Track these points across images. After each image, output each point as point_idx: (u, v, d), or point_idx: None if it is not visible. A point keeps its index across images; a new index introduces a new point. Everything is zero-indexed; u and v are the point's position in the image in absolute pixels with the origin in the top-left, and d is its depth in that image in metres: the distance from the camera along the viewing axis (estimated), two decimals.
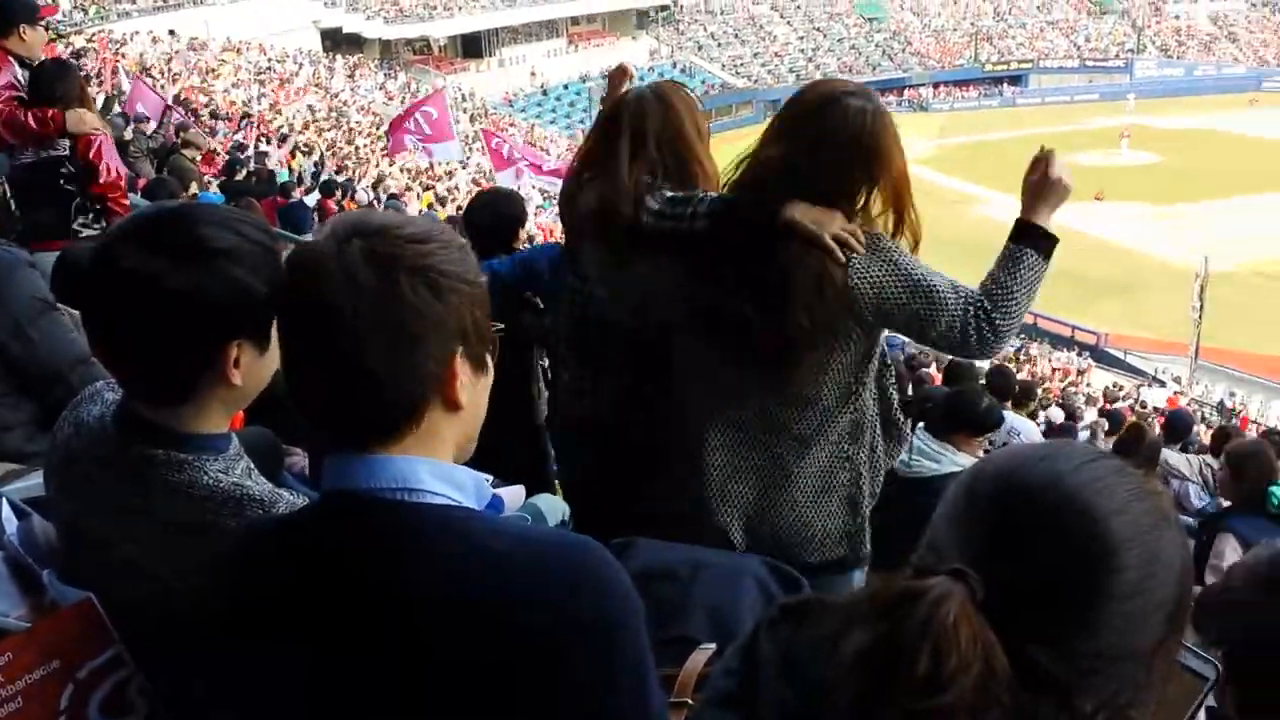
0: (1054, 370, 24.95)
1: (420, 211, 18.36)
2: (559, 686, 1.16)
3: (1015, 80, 63.40)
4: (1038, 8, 68.13)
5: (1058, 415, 13.96)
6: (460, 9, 52.41)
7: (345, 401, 1.25)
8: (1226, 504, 5.25)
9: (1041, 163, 2.41)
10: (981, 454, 4.52)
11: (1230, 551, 4.51)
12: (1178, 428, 8.56)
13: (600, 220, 2.78)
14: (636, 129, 2.79)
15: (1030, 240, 2.37)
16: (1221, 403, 23.14)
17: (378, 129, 31.78)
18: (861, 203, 2.38)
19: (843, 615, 1.02)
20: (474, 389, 1.32)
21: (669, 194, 2.57)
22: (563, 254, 3.32)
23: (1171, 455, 7.23)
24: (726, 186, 2.53)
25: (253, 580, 1.30)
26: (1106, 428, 12.37)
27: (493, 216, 4.23)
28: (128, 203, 5.28)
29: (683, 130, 2.81)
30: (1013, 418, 6.93)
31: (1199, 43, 65.56)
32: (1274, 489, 4.57)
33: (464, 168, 31.19)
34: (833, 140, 2.31)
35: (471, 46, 53.74)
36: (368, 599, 1.21)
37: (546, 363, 3.97)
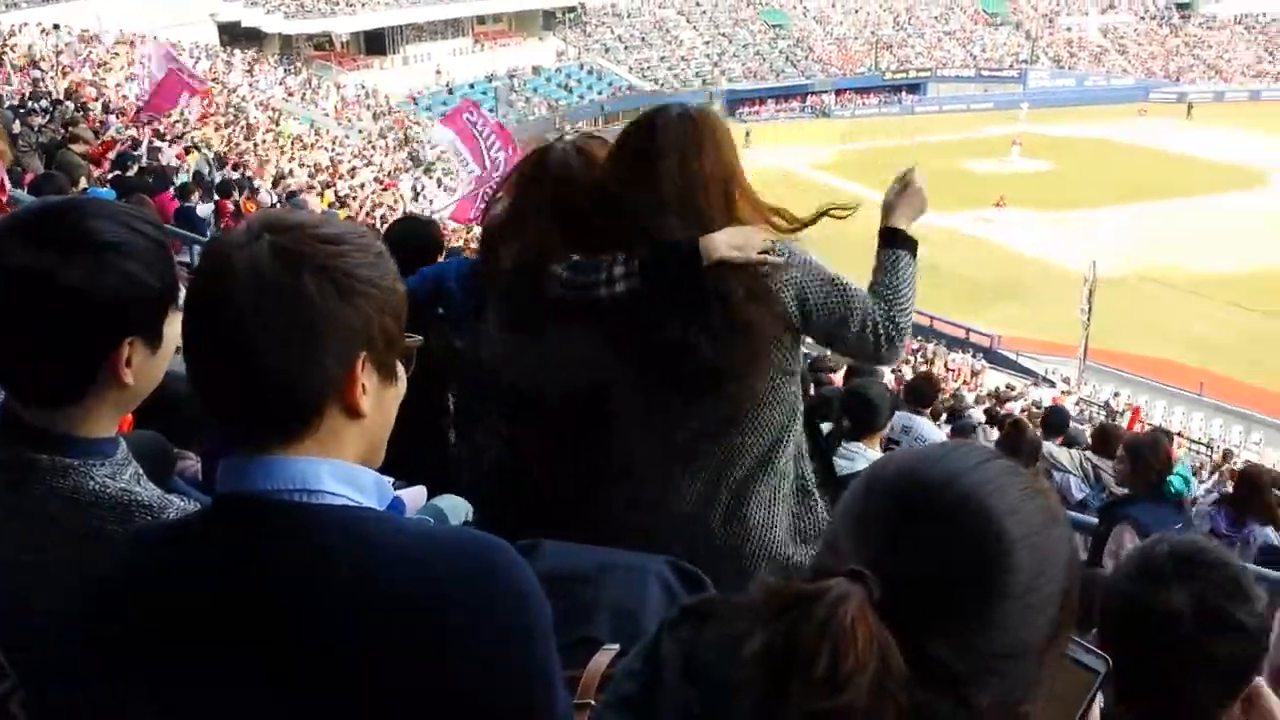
0: (949, 371, 25.61)
1: (320, 211, 18.04)
2: (467, 686, 1.15)
3: (914, 89, 64.92)
4: (935, 18, 69.86)
5: (973, 416, 14.36)
6: (363, 5, 51.64)
7: (244, 399, 1.22)
8: (1124, 492, 5.44)
9: (907, 177, 2.52)
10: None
11: (1129, 539, 4.70)
12: (1055, 422, 8.94)
13: (512, 284, 2.72)
14: (558, 191, 2.66)
15: (899, 245, 2.47)
16: (1107, 403, 23.99)
17: (276, 125, 31.14)
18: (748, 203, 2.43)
19: (743, 615, 1.02)
20: (380, 398, 1.29)
21: (575, 260, 2.50)
22: (471, 277, 3.25)
23: (1054, 449, 7.50)
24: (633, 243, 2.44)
25: (141, 589, 1.26)
26: (984, 421, 12.77)
27: (411, 240, 4.15)
28: (5, 198, 5.08)
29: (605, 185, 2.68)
30: (917, 420, 7.10)
31: (1090, 54, 67.98)
32: (1171, 479, 4.75)
33: (367, 165, 30.75)
34: (699, 166, 2.35)
35: (375, 43, 52.97)
36: (264, 604, 1.18)
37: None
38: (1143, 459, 5.00)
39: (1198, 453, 20.85)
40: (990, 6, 70.81)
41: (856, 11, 69.85)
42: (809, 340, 2.56)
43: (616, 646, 1.60)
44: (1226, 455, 19.12)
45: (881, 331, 2.37)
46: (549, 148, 2.77)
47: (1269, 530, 6.32)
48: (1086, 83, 64.40)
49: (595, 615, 1.68)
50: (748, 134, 52.46)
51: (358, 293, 1.23)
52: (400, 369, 1.33)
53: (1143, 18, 71.16)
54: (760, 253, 2.31)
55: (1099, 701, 1.63)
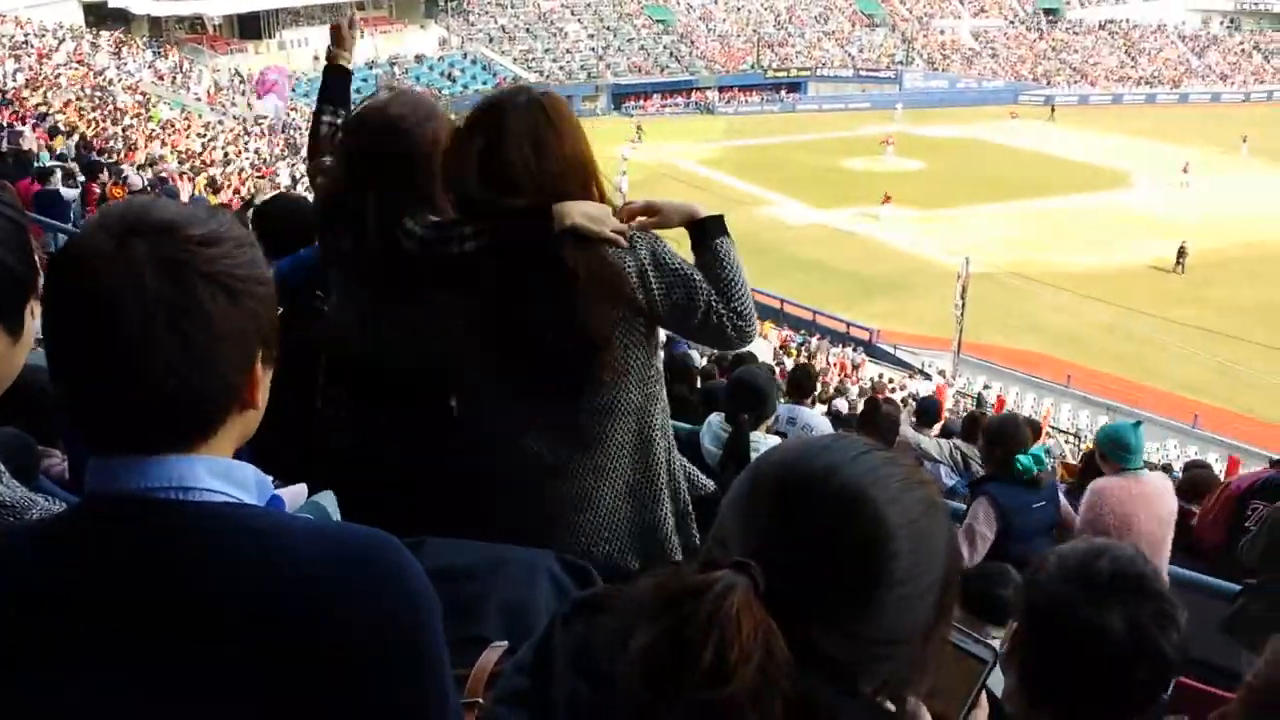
0: (831, 364, 26.19)
1: (193, 197, 17.46)
2: (360, 684, 1.12)
3: (795, 87, 66.14)
4: (815, 18, 71.25)
5: (843, 407, 14.66)
6: None
7: (134, 411, 1.16)
8: (984, 473, 5.66)
9: (647, 212, 2.43)
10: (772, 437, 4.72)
11: (982, 512, 4.92)
12: (927, 411, 9.23)
13: (353, 256, 2.67)
14: (391, 154, 2.62)
15: (709, 234, 2.44)
16: (980, 395, 24.81)
17: (145, 110, 30.05)
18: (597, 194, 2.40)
19: (632, 607, 1.03)
20: (266, 384, 1.26)
21: (433, 219, 2.48)
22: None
23: (923, 440, 7.73)
24: (476, 205, 2.41)
25: (5, 593, 1.19)
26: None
27: (287, 224, 4.04)
28: None
29: (434, 152, 2.61)
30: (801, 410, 7.21)
31: (962, 57, 70.20)
32: (1020, 457, 4.95)
33: (242, 153, 29.88)
34: (553, 147, 2.33)
35: (249, 27, 51.48)
36: (141, 607, 1.12)
37: None
38: (996, 440, 5.21)
39: (1066, 443, 21.73)
40: (867, 8, 72.53)
41: (739, 10, 70.75)
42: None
43: (505, 643, 1.58)
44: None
45: (727, 322, 2.38)
46: (379, 111, 2.69)
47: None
48: (959, 85, 66.55)
49: (483, 612, 1.66)
50: (639, 129, 52.72)
51: (246, 293, 1.18)
52: (275, 353, 1.30)
53: (1012, 22, 73.80)
54: (615, 230, 2.31)
55: (1001, 686, 1.68)
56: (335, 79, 3.42)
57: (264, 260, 1.25)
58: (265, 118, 21.60)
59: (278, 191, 16.50)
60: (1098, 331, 29.22)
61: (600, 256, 2.30)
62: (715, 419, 4.78)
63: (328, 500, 2.45)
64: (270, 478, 1.34)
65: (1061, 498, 5.27)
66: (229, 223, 1.25)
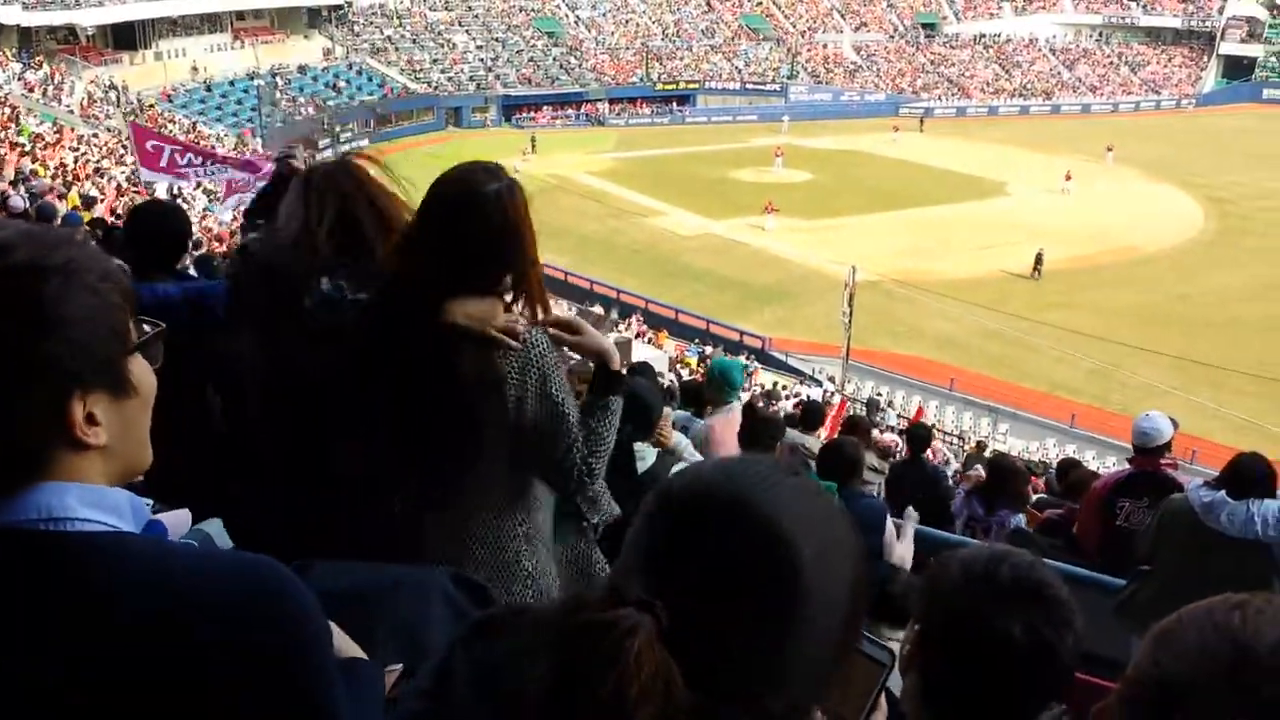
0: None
1: (66, 215, 16.78)
2: (243, 712, 1.10)
3: (684, 100, 66.75)
4: (702, 31, 72.06)
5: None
6: None
7: None
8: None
9: (570, 328, 2.46)
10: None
11: None
12: (812, 415, 9.46)
13: (268, 290, 2.64)
14: (321, 201, 2.62)
15: (612, 387, 2.46)
16: (870, 399, 25.35)
17: (15, 123, 28.85)
18: (511, 288, 2.41)
19: (534, 633, 1.01)
20: (119, 415, 1.21)
21: (323, 291, 2.48)
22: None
23: (809, 440, 7.90)
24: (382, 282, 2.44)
25: None
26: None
27: (157, 232, 3.88)
28: None
29: (370, 204, 2.65)
30: (696, 421, 7.27)
31: (845, 70, 71.77)
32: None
33: (118, 165, 28.87)
34: (474, 235, 2.33)
35: (124, 37, 49.75)
36: (16, 640, 1.09)
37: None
38: (833, 455, 5.34)
39: (952, 444, 22.34)
40: (752, 22, 73.69)
41: (627, 22, 71.15)
42: None
43: (399, 666, 1.55)
44: (980, 446, 20.51)
45: (579, 471, 2.39)
46: (332, 171, 2.70)
47: (1019, 516, 6.87)
48: (842, 97, 68.00)
49: (375, 635, 1.62)
50: (533, 140, 52.56)
51: (51, 333, 1.14)
52: (141, 372, 1.25)
53: (892, 36, 75.78)
54: (500, 330, 2.30)
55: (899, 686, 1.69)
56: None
57: (104, 281, 1.20)
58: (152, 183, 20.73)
59: (150, 199, 15.97)
60: (977, 336, 30.15)
61: (485, 362, 2.31)
62: None
63: (214, 528, 2.37)
64: (150, 502, 1.29)
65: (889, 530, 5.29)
66: (56, 242, 1.19)
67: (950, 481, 9.61)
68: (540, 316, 2.44)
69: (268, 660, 1.12)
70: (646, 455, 4.49)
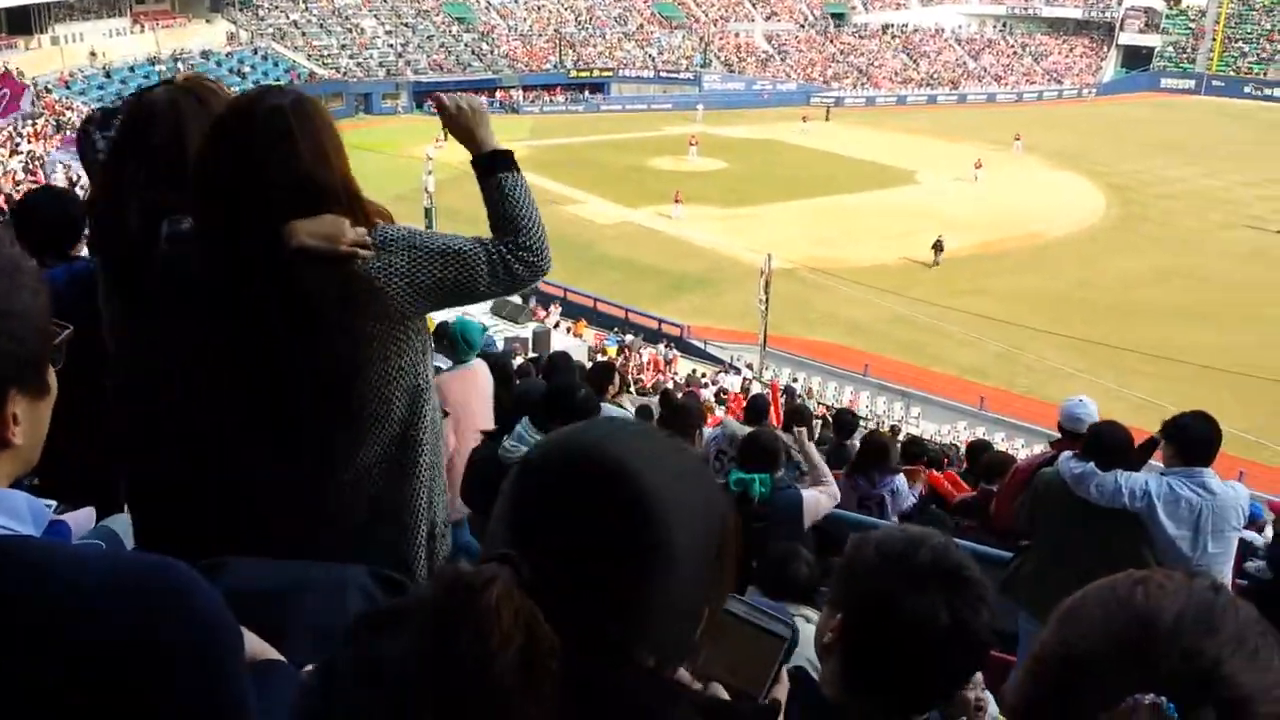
0: (647, 362, 26.52)
1: None
2: (147, 717, 1.07)
3: (598, 88, 66.64)
4: (615, 18, 71.97)
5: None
6: None
7: None
8: None
9: (443, 109, 2.41)
10: None
11: None
12: (756, 410, 9.52)
13: (103, 255, 2.50)
14: (145, 142, 2.47)
15: (497, 167, 2.39)
16: (789, 386, 25.63)
17: None
18: (341, 199, 2.24)
19: (410, 612, 1.04)
20: (33, 414, 1.19)
21: (173, 228, 2.30)
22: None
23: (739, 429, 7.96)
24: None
25: None
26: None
27: (51, 220, 3.73)
28: None
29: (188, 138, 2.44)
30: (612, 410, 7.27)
31: (757, 59, 72.31)
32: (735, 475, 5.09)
33: (14, 154, 27.84)
34: (278, 150, 2.17)
35: (19, 22, 47.98)
36: None
37: None
38: (752, 445, 5.36)
39: (866, 428, 22.68)
40: (664, 10, 73.83)
41: (539, 9, 70.72)
42: None
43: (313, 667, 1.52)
44: (894, 430, 20.87)
45: (515, 264, 2.31)
46: (151, 103, 2.54)
47: (898, 479, 7.05)
48: (755, 86, 68.51)
49: (292, 634, 1.59)
50: (445, 128, 51.82)
51: (8, 325, 1.12)
52: (50, 375, 1.23)
53: (802, 25, 76.59)
54: (352, 243, 2.17)
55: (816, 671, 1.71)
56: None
57: (22, 281, 1.17)
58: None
59: (42, 185, 15.43)
60: (888, 322, 30.66)
61: (346, 279, 2.17)
62: (524, 424, 4.74)
63: (119, 524, 2.31)
64: (53, 502, 1.25)
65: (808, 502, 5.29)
66: None
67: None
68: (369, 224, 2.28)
69: (170, 665, 1.08)
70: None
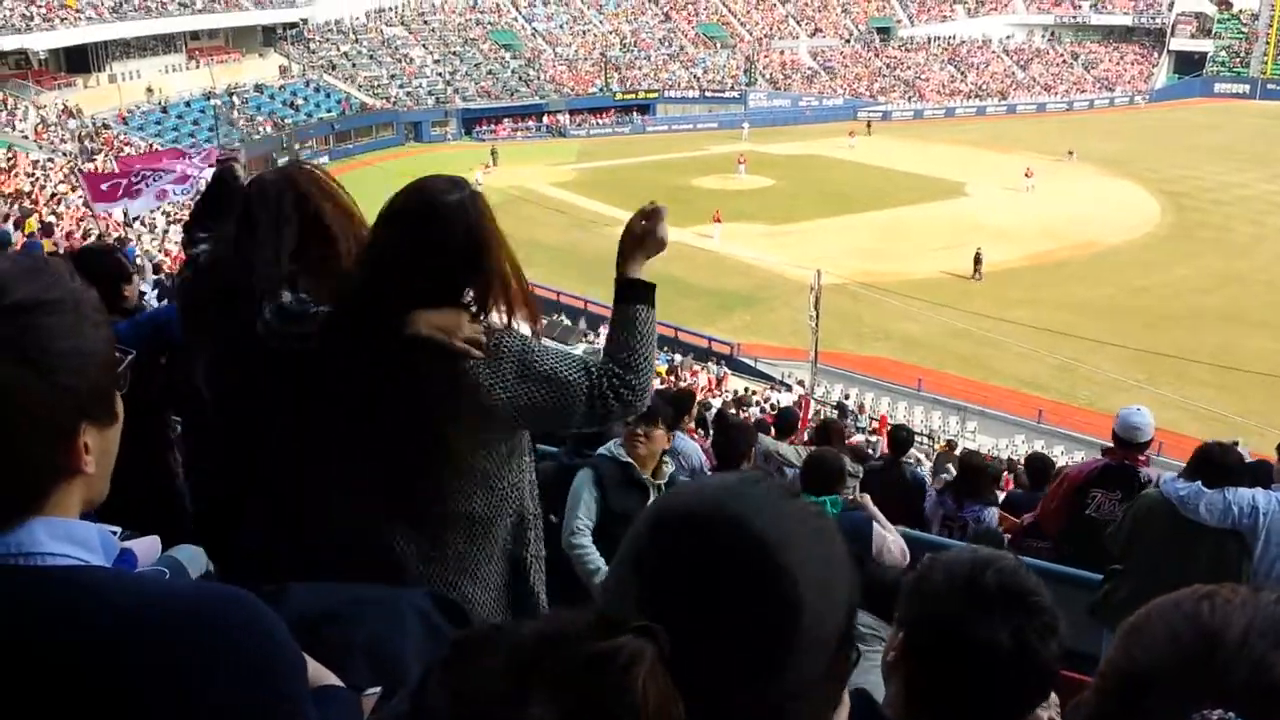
0: (693, 376, 26.49)
1: (22, 241, 16.59)
2: None
3: (644, 109, 66.91)
4: (660, 40, 72.28)
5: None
6: (62, 21, 47.89)
7: None
8: None
9: (653, 216, 2.45)
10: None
11: None
12: (786, 422, 9.46)
13: (217, 307, 2.62)
14: (279, 210, 2.59)
15: (638, 296, 2.43)
16: (840, 403, 25.45)
17: None
18: (474, 298, 2.36)
19: (520, 660, 0.96)
20: (103, 444, 1.21)
21: (283, 304, 2.43)
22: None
23: (783, 447, 7.92)
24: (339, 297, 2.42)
25: None
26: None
27: (94, 279, 3.85)
28: None
29: (320, 214, 2.62)
30: (681, 439, 7.27)
31: (802, 76, 72.22)
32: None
33: (74, 190, 28.54)
34: (438, 245, 2.29)
35: (77, 61, 49.25)
36: None
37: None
38: (818, 467, 5.32)
39: (922, 444, 22.45)
40: (709, 30, 74.00)
41: (584, 33, 71.26)
42: None
43: (378, 690, 1.53)
44: (950, 445, 20.63)
45: (614, 400, 2.34)
46: (275, 183, 2.67)
47: (990, 512, 6.92)
48: (800, 103, 68.38)
49: (351, 658, 1.60)
50: (494, 153, 52.44)
51: (59, 368, 1.13)
52: (118, 404, 1.25)
53: (848, 40, 76.37)
54: (465, 341, 2.26)
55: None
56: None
57: (92, 315, 1.20)
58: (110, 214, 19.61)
59: (84, 246, 15.85)
60: (943, 335, 30.34)
61: (445, 367, 2.26)
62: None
63: (184, 554, 2.34)
64: (119, 529, 1.28)
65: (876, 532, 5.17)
66: (51, 279, 1.18)
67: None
68: (522, 322, 2.40)
69: (235, 695, 1.10)
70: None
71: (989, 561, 1.65)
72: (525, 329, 2.40)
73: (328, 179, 2.70)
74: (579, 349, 26.53)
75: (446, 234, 2.28)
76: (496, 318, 2.36)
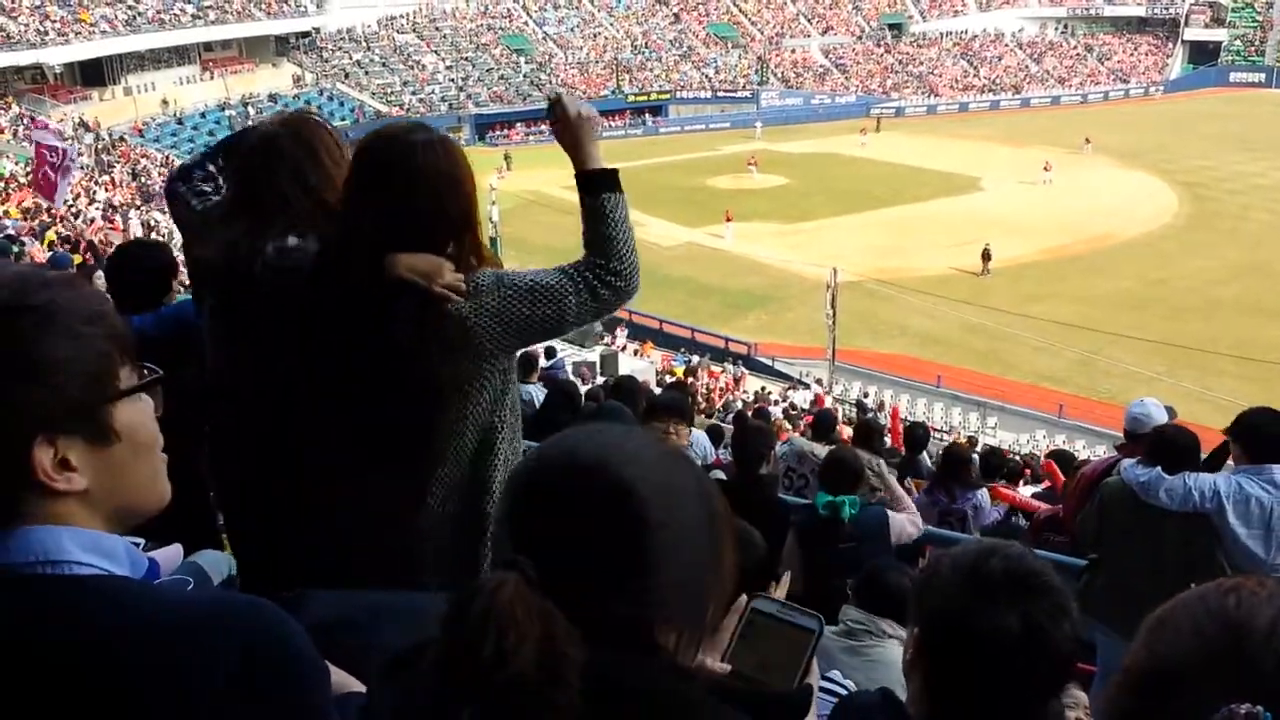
0: (713, 379, 26.48)
1: (52, 256, 16.68)
2: None
3: (656, 110, 66.91)
4: (671, 42, 72.29)
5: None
6: (77, 35, 48.25)
7: None
8: None
9: (558, 108, 2.43)
10: None
11: None
12: (823, 424, 9.35)
13: (216, 274, 2.59)
14: (268, 171, 2.57)
15: (600, 186, 2.42)
16: (859, 400, 25.38)
17: None
18: (451, 245, 2.35)
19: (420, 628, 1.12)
20: (102, 461, 1.20)
21: (284, 244, 2.42)
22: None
23: (817, 448, 7.86)
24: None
25: None
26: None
27: (143, 272, 3.88)
28: None
29: (322, 169, 2.60)
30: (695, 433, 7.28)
31: (814, 74, 72.10)
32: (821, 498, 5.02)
33: (92, 203, 28.76)
34: (411, 188, 2.29)
35: (92, 74, 49.63)
36: (8, 682, 1.08)
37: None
38: (835, 467, 5.31)
39: (941, 439, 22.38)
40: (720, 30, 73.97)
41: (595, 36, 71.35)
42: None
43: None
44: (971, 441, 20.53)
45: (602, 289, 2.34)
46: (268, 133, 2.65)
47: (980, 494, 6.92)
48: (813, 101, 68.27)
49: (372, 663, 1.60)
50: (507, 157, 52.56)
51: (38, 369, 1.13)
52: (135, 416, 1.24)
53: (860, 38, 76.20)
54: (445, 286, 2.26)
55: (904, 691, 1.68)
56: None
57: (82, 325, 1.18)
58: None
59: (133, 239, 15.90)
60: (961, 331, 30.22)
61: (432, 312, 2.27)
62: None
63: (206, 559, 2.35)
64: (141, 540, 1.28)
65: (893, 521, 5.23)
66: (21, 292, 1.17)
67: None
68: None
69: (258, 706, 1.11)
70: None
71: (993, 549, 1.65)
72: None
73: (322, 128, 2.67)
74: (595, 352, 26.56)
75: (418, 172, 2.29)
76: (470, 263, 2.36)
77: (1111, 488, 4.95)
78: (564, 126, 2.42)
